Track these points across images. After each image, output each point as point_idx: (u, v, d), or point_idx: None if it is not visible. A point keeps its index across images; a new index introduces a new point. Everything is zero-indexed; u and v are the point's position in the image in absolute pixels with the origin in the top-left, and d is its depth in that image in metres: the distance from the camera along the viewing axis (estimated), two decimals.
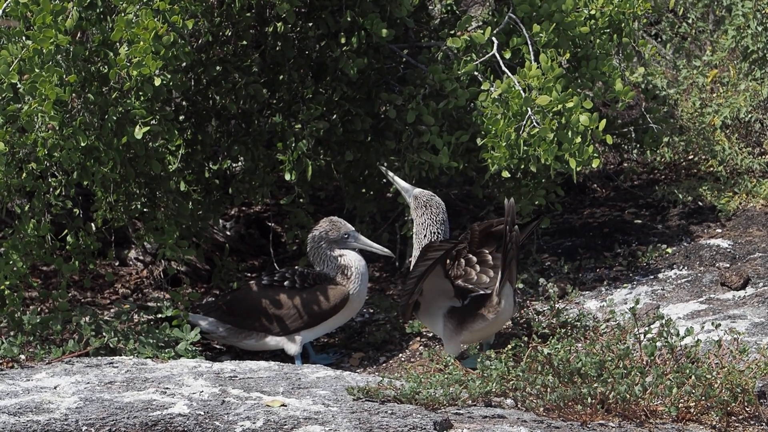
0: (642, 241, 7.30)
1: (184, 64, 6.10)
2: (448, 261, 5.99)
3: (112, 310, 6.84)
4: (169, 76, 5.95)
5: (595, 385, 5.03)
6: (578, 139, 6.32)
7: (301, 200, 6.99)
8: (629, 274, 6.97)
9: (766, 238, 7.13)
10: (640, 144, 7.60)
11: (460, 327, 6.04)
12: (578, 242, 7.40)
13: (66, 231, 6.42)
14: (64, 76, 5.78)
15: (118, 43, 5.98)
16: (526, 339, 5.96)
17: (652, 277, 6.89)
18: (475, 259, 6.10)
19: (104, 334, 6.01)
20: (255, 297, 6.44)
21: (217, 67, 6.67)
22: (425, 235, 6.23)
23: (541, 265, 7.14)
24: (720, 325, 5.45)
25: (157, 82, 5.87)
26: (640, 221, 7.61)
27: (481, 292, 6.00)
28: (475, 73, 6.70)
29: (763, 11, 7.81)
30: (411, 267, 6.04)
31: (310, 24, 6.80)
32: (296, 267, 6.60)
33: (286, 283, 6.43)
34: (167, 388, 5.23)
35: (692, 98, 7.90)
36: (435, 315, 6.10)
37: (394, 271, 7.36)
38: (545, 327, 6.15)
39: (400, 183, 6.47)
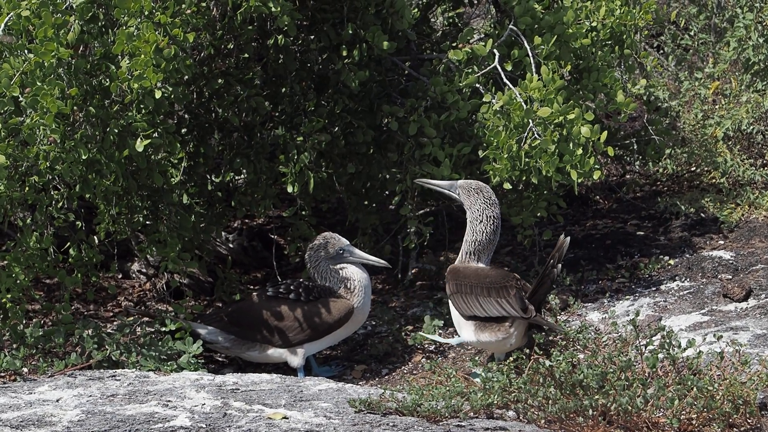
0: (644, 253, 7.30)
1: (185, 77, 6.11)
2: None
3: (114, 323, 6.85)
4: (170, 89, 5.96)
5: (597, 397, 5.03)
6: (579, 151, 6.33)
7: (303, 212, 6.99)
8: (631, 285, 6.97)
9: None
10: (642, 156, 7.61)
11: (477, 328, 6.06)
12: (580, 254, 7.39)
13: (69, 244, 6.44)
14: (66, 89, 5.80)
15: (119, 56, 6.00)
16: (527, 351, 5.95)
17: (654, 288, 6.89)
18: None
19: (107, 346, 6.02)
20: (259, 308, 6.43)
21: (219, 80, 6.69)
22: (481, 220, 6.22)
23: None
24: (722, 336, 5.45)
25: (158, 94, 5.88)
26: (642, 233, 7.60)
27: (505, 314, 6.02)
28: (477, 85, 6.71)
29: (765, 23, 7.82)
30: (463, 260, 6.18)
31: (312, 37, 6.81)
32: (301, 279, 6.59)
33: (291, 295, 6.43)
34: (169, 401, 5.23)
35: (694, 110, 7.90)
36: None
37: (396, 284, 7.36)
38: (547, 339, 6.14)
39: (441, 183, 6.44)
